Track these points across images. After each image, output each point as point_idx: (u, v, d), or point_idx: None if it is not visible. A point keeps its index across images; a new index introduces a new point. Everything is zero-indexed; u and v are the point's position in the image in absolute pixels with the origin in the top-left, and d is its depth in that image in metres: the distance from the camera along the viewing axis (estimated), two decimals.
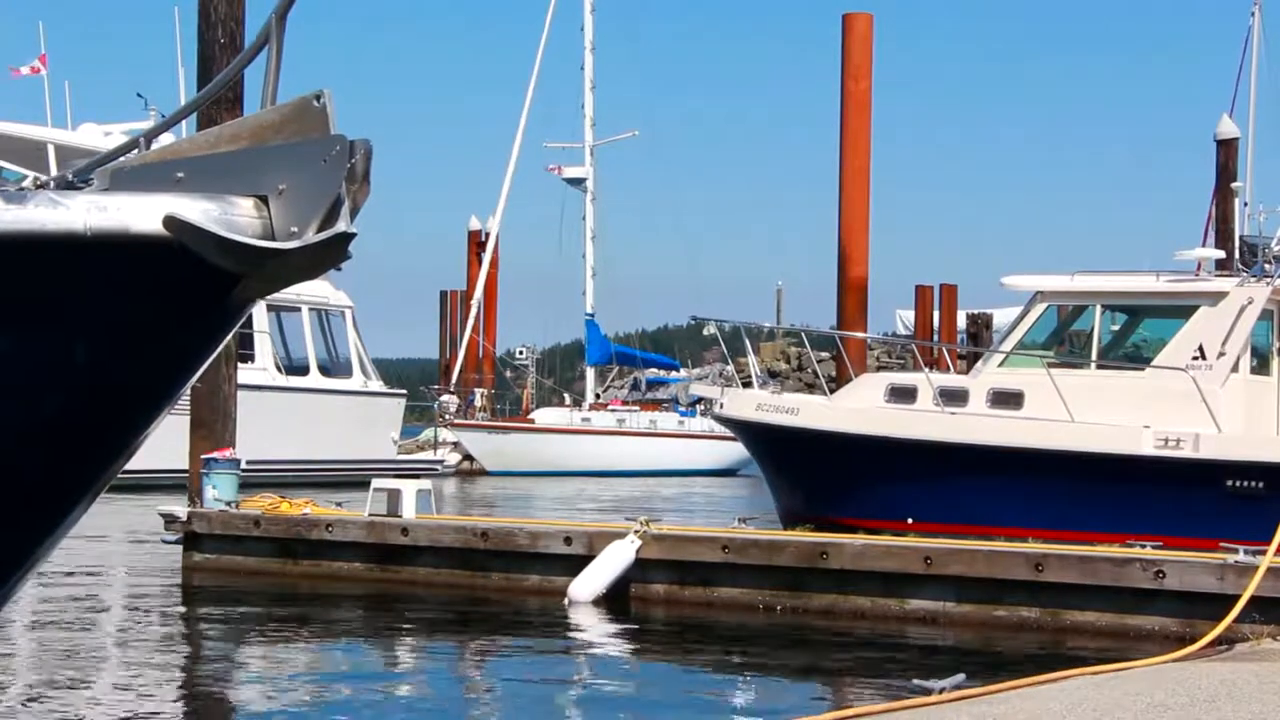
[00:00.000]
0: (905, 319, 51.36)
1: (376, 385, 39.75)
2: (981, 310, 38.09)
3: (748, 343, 24.77)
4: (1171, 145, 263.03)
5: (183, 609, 15.31)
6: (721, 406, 22.39)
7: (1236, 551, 13.09)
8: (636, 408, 54.49)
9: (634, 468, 48.54)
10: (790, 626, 14.08)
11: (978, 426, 19.63)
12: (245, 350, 32.52)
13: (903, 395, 20.52)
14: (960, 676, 9.29)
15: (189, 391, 5.33)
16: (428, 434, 49.57)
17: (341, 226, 4.33)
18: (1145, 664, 10.29)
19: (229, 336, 5.02)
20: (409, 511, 16.32)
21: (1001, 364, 20.59)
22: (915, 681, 9.32)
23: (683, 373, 61.19)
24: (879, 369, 43.83)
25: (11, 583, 5.47)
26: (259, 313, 34.61)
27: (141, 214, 4.37)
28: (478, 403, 51.48)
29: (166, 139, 5.27)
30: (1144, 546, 13.88)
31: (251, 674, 11.83)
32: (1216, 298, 19.44)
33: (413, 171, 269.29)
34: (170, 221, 4.34)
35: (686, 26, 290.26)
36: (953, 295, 51.30)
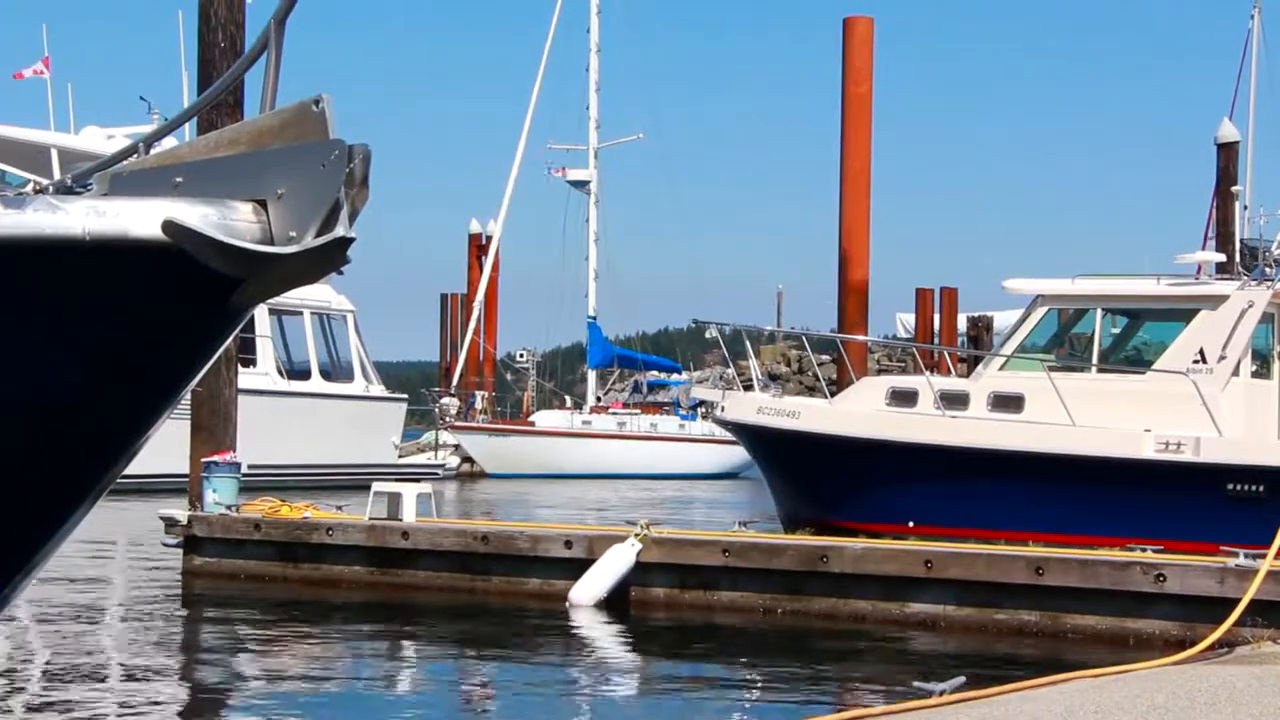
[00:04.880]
0: (906, 322, 51.38)
1: (378, 389, 39.76)
2: (982, 313, 38.15)
3: (748, 345, 24.77)
4: (1172, 148, 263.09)
5: (183, 612, 15.30)
6: (722, 409, 22.39)
7: (1237, 555, 13.09)
8: (637, 410, 54.48)
9: (634, 471, 48.53)
10: (791, 630, 14.08)
11: (978, 430, 19.63)
12: (247, 354, 32.56)
13: (903, 398, 20.53)
14: (960, 679, 9.29)
15: (189, 395, 5.33)
16: (428, 437, 49.59)
17: (340, 231, 4.33)
18: (1145, 667, 10.28)
19: (228, 341, 5.02)
20: (409, 515, 16.32)
21: (1002, 367, 20.59)
22: (916, 684, 9.31)
23: (683, 375, 61.24)
24: (879, 372, 43.84)
25: (12, 586, 5.47)
26: (261, 316, 34.65)
27: (140, 219, 4.37)
28: (478, 405, 51.49)
29: (167, 143, 5.27)
30: (1144, 550, 13.88)
31: (251, 678, 11.82)
32: (1217, 301, 19.44)
33: (414, 174, 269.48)
34: (169, 226, 4.34)
35: (692, 30, 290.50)
36: (953, 298, 51.30)
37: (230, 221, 4.36)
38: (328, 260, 4.38)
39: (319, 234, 4.34)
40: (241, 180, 4.43)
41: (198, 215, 4.34)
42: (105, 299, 4.52)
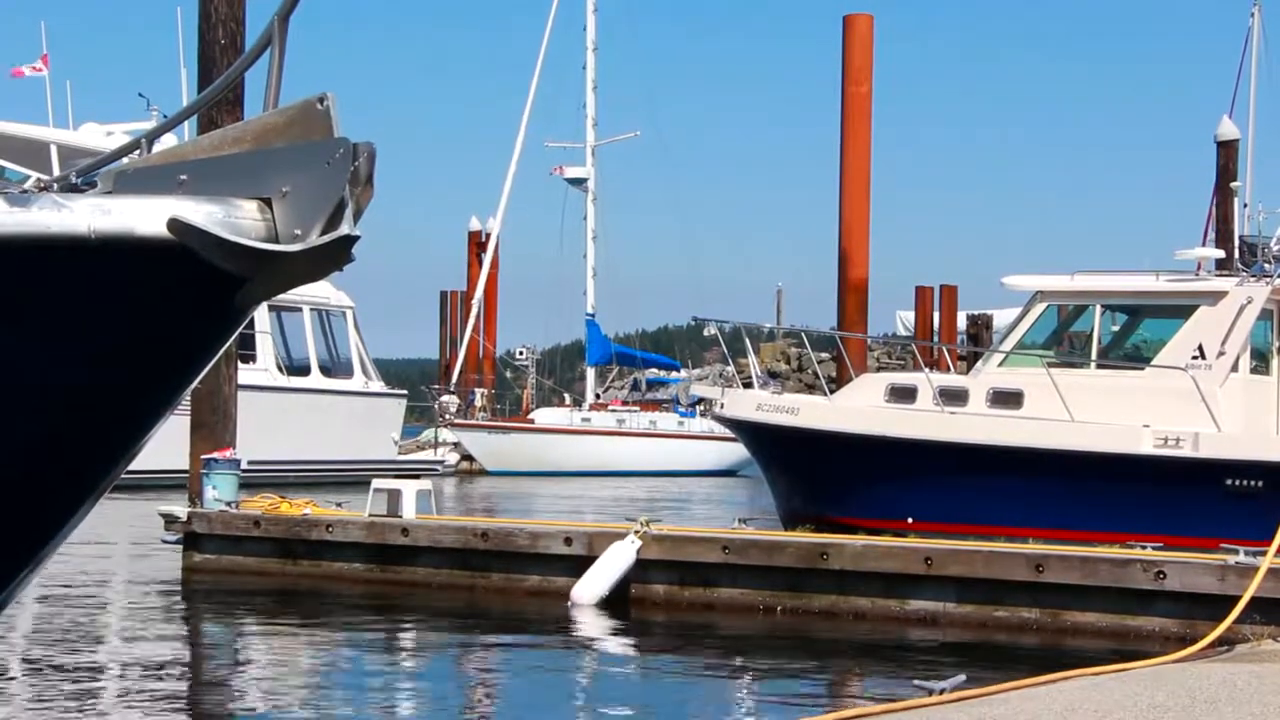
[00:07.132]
0: (905, 320, 51.38)
1: (377, 385, 39.78)
2: (981, 311, 38.13)
3: (748, 343, 24.78)
4: (1171, 145, 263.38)
5: (183, 609, 15.31)
6: (722, 407, 22.39)
7: (1237, 552, 13.09)
8: (636, 408, 54.51)
9: (634, 468, 48.54)
10: (791, 627, 14.09)
11: (978, 426, 19.64)
12: (246, 350, 32.56)
13: (903, 395, 20.54)
14: (961, 677, 9.28)
15: (190, 392, 5.32)
16: (428, 434, 49.61)
17: (345, 229, 4.32)
18: (1145, 665, 10.28)
19: (232, 339, 5.01)
20: (409, 512, 16.33)
21: (1001, 364, 20.60)
22: (916, 682, 9.31)
23: (683, 373, 61.23)
24: (879, 369, 43.85)
25: (15, 585, 5.47)
26: (260, 313, 34.62)
27: (145, 217, 4.37)
28: (478, 402, 51.51)
29: (169, 140, 5.27)
30: (1144, 547, 13.89)
31: (251, 674, 11.83)
32: (1216, 297, 19.46)
33: (413, 172, 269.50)
34: (174, 224, 4.34)
35: (689, 27, 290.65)
36: (953, 296, 51.33)
37: (235, 220, 4.36)
38: (332, 259, 4.38)
39: (323, 232, 4.34)
40: (246, 178, 4.42)
41: (203, 213, 4.34)
42: (110, 297, 4.52)
